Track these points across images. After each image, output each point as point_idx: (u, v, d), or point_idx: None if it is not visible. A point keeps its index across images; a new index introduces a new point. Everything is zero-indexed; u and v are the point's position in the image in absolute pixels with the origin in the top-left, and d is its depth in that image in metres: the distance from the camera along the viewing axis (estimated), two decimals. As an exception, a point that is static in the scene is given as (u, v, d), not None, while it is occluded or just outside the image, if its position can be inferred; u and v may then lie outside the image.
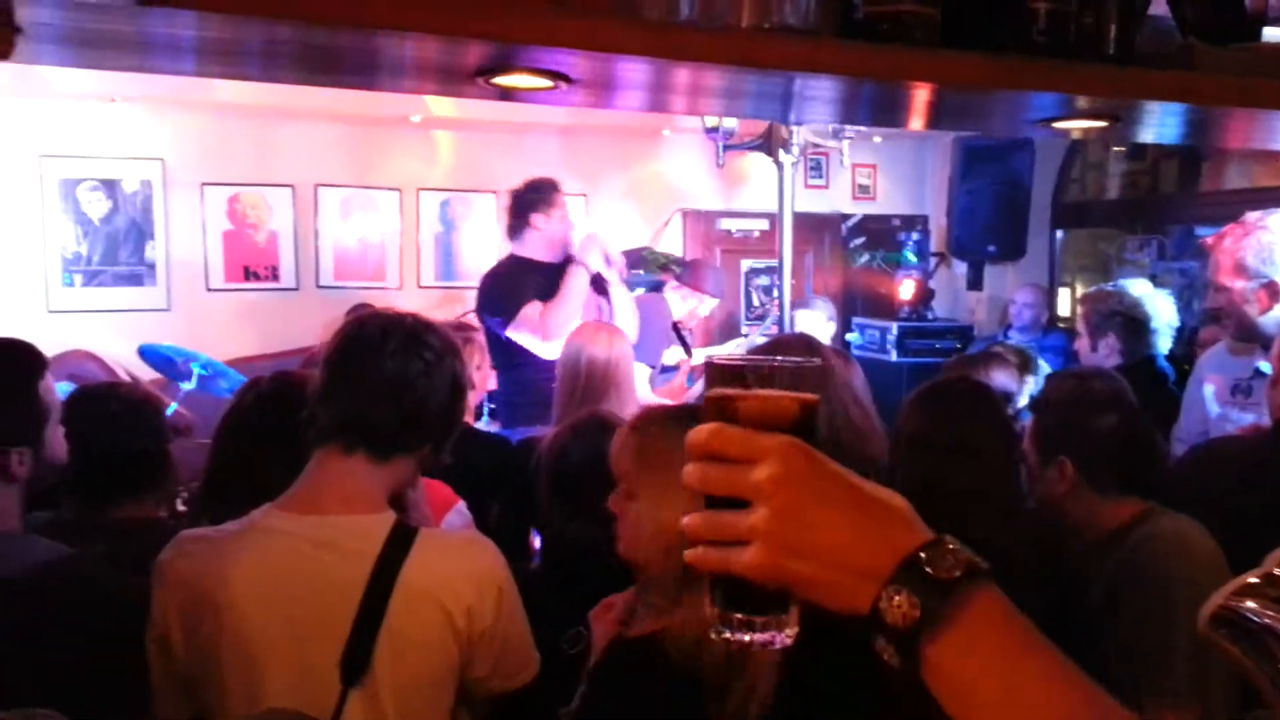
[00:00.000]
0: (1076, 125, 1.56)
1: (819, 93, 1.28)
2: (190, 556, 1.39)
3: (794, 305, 4.15)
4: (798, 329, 4.13)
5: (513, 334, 3.47)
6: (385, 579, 1.36)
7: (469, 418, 2.91)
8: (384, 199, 5.67)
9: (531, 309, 3.44)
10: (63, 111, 4.94)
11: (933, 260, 6.50)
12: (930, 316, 5.80)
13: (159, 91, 4.98)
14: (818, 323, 4.93)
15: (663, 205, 6.21)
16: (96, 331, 4.66)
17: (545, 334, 3.38)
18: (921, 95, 1.33)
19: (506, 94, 1.23)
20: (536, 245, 3.65)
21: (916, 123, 1.59)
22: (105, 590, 1.46)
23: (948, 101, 1.38)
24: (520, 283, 3.53)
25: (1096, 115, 1.49)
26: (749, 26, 1.09)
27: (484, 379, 3.11)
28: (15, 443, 1.54)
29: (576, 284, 3.51)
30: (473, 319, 3.72)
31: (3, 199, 4.86)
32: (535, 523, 2.38)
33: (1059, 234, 6.54)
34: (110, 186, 5.10)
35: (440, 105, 5.41)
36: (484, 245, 5.86)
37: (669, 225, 6.26)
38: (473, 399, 2.95)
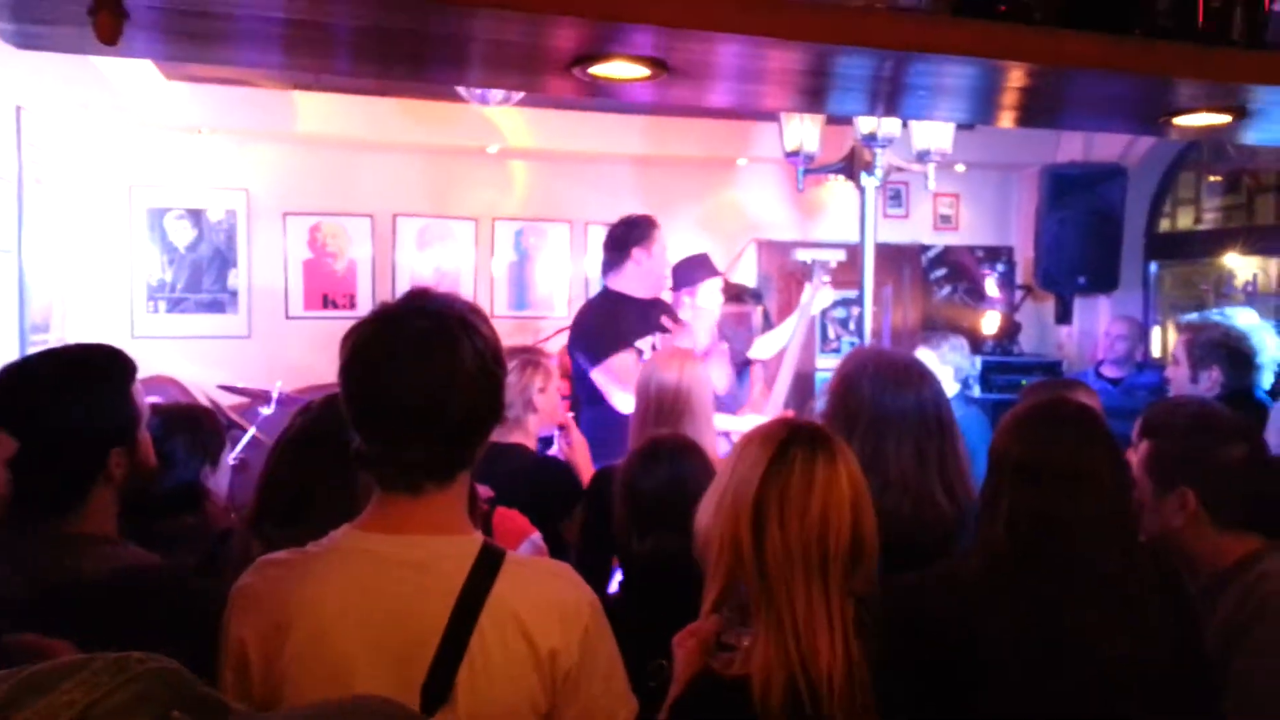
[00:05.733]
0: (1198, 121, 1.45)
1: (925, 80, 1.20)
2: (272, 580, 1.33)
3: (924, 342, 4.02)
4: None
5: (597, 376, 3.44)
6: (471, 603, 1.28)
7: (527, 441, 2.86)
8: (460, 228, 5.71)
9: (623, 359, 3.40)
10: (152, 142, 5.09)
11: (1018, 293, 6.31)
12: (1016, 351, 5.60)
13: (244, 124, 5.11)
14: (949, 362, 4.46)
15: (737, 235, 6.14)
16: (178, 357, 4.75)
17: (626, 388, 3.34)
18: (1035, 82, 1.24)
19: (597, 89, 1.17)
20: (633, 281, 3.63)
21: (1026, 117, 1.49)
22: (191, 598, 1.43)
23: (1063, 92, 1.29)
24: (614, 322, 3.50)
25: (1220, 107, 1.39)
26: (861, 5, 1.01)
27: (550, 405, 3.02)
28: (113, 443, 1.53)
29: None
30: (544, 347, 3.70)
31: (93, 226, 5.00)
32: (614, 550, 2.31)
33: (1153, 266, 6.29)
34: (196, 216, 5.23)
35: (516, 135, 5.46)
36: (557, 275, 5.87)
37: (743, 255, 6.18)
38: (534, 424, 2.89)
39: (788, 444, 1.49)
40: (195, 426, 2.20)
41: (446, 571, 1.30)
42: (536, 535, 2.30)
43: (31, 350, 3.79)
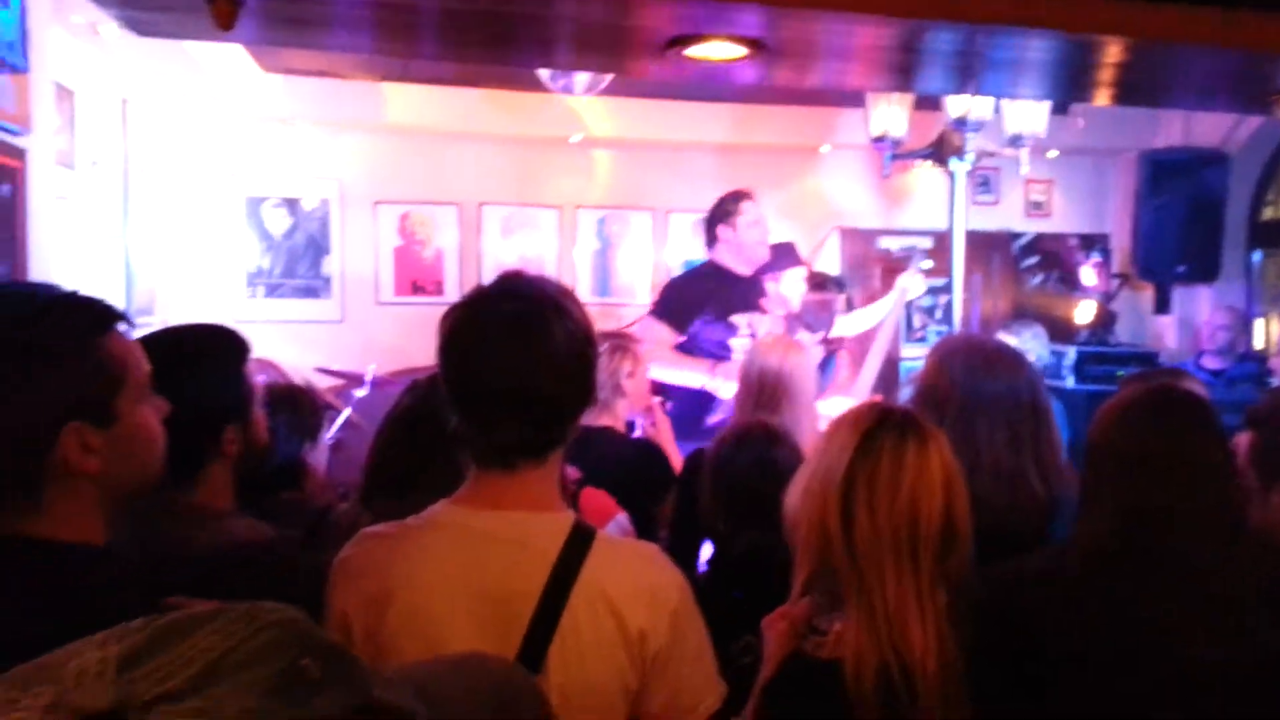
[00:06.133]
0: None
1: (1015, 54, 1.17)
2: (373, 552, 1.38)
3: (1004, 330, 3.96)
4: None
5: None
6: (563, 580, 1.30)
7: (616, 424, 2.89)
8: (543, 217, 5.77)
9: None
10: (249, 133, 5.26)
11: (1114, 282, 6.11)
12: (1112, 341, 5.43)
13: (336, 115, 5.25)
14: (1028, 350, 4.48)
15: (819, 223, 6.08)
16: (276, 341, 4.91)
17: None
18: (1134, 58, 1.21)
19: (685, 70, 1.18)
20: (726, 254, 3.71)
21: (1125, 95, 1.45)
22: (302, 570, 1.47)
23: (1165, 69, 1.25)
24: (700, 294, 3.56)
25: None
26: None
27: (639, 389, 3.05)
28: (227, 420, 1.58)
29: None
30: (633, 332, 3.73)
31: (196, 215, 5.20)
32: (701, 533, 2.32)
33: (1256, 255, 6.02)
34: (291, 204, 5.39)
35: (599, 124, 5.49)
36: (639, 262, 5.89)
37: (826, 243, 6.12)
38: (622, 408, 2.93)
39: (877, 428, 1.48)
40: (296, 406, 2.28)
41: (539, 548, 1.32)
42: (623, 516, 2.33)
43: (137, 332, 3.96)
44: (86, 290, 1.26)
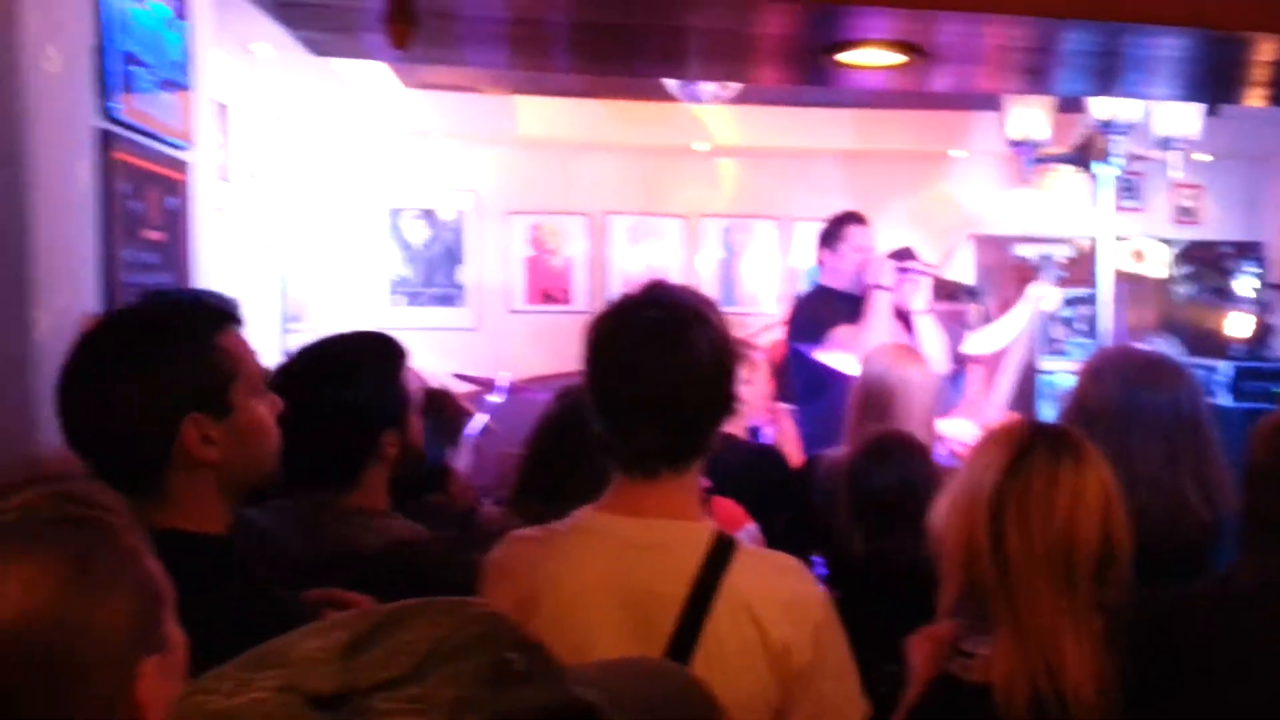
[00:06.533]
0: None
1: (1160, 51, 1.11)
2: (522, 555, 1.41)
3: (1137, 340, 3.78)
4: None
5: (822, 356, 3.45)
6: (706, 589, 1.30)
7: (737, 432, 2.87)
8: (668, 226, 5.81)
9: (842, 332, 3.43)
10: (390, 146, 5.48)
11: (1271, 293, 5.74)
12: (1269, 356, 5.11)
13: (471, 128, 5.41)
14: None
15: (951, 230, 5.92)
16: (415, 347, 5.07)
17: (855, 354, 3.32)
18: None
19: (837, 77, 1.17)
20: (832, 276, 3.69)
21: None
22: (457, 570, 1.51)
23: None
24: (824, 309, 3.55)
25: None
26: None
27: (755, 396, 3.02)
28: (387, 425, 1.64)
29: (878, 308, 3.44)
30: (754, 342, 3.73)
31: (341, 226, 5.44)
32: (816, 545, 2.28)
33: None
34: (429, 215, 5.59)
35: (724, 133, 5.50)
36: (764, 271, 5.86)
37: (959, 252, 5.95)
38: (743, 415, 2.90)
39: (1029, 445, 1.43)
40: (440, 410, 2.35)
41: (681, 555, 1.33)
42: (753, 526, 2.31)
43: (290, 338, 4.17)
44: (246, 300, 1.34)
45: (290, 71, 4.09)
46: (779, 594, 1.34)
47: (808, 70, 1.08)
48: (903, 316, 3.60)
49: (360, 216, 5.51)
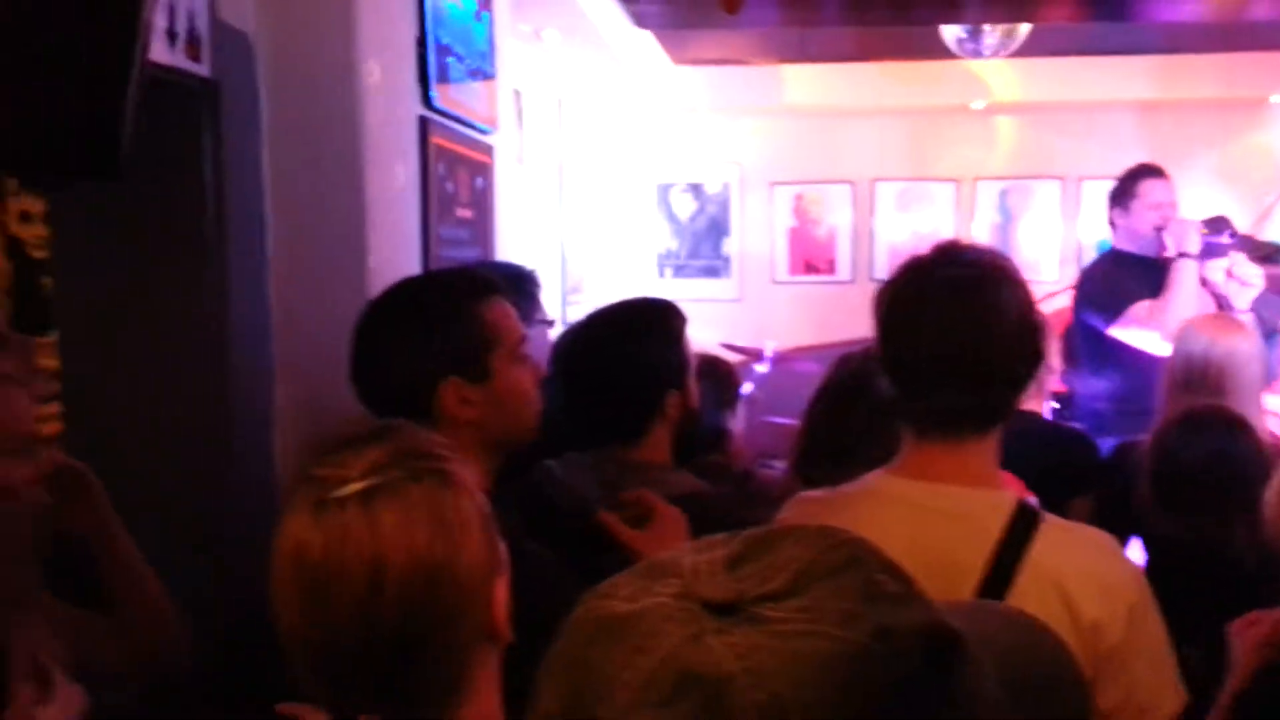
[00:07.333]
0: None
1: None
2: (809, 516, 1.42)
3: None
4: None
5: (1118, 332, 3.20)
6: (1009, 560, 1.26)
7: (1036, 408, 2.72)
8: (939, 191, 5.60)
9: (1139, 308, 3.14)
10: (659, 123, 5.63)
11: None
12: None
13: (738, 101, 5.46)
14: None
15: (1267, 185, 5.29)
16: (682, 317, 5.23)
17: (1157, 331, 3.06)
18: None
19: (1138, 11, 1.07)
20: (1126, 239, 3.37)
21: None
22: (748, 524, 1.57)
23: None
24: (1118, 278, 3.25)
25: None
26: None
27: (1049, 372, 2.86)
28: (671, 385, 1.73)
29: (1184, 279, 3.13)
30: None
31: (613, 202, 5.68)
32: (1131, 529, 2.14)
33: None
34: (696, 189, 5.72)
35: (1005, 88, 5.20)
36: (1044, 237, 5.52)
37: (1277, 209, 5.31)
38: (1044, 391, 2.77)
39: None
40: (717, 376, 2.42)
41: (982, 524, 1.28)
42: (1032, 503, 2.21)
43: (569, 310, 4.42)
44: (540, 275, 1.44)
45: (576, 56, 4.30)
46: (1089, 570, 1.27)
47: (1105, 3, 0.99)
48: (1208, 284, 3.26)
49: (630, 192, 5.71)
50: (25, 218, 2.77)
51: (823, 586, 0.45)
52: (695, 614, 0.44)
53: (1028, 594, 1.25)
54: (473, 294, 1.42)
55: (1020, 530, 1.27)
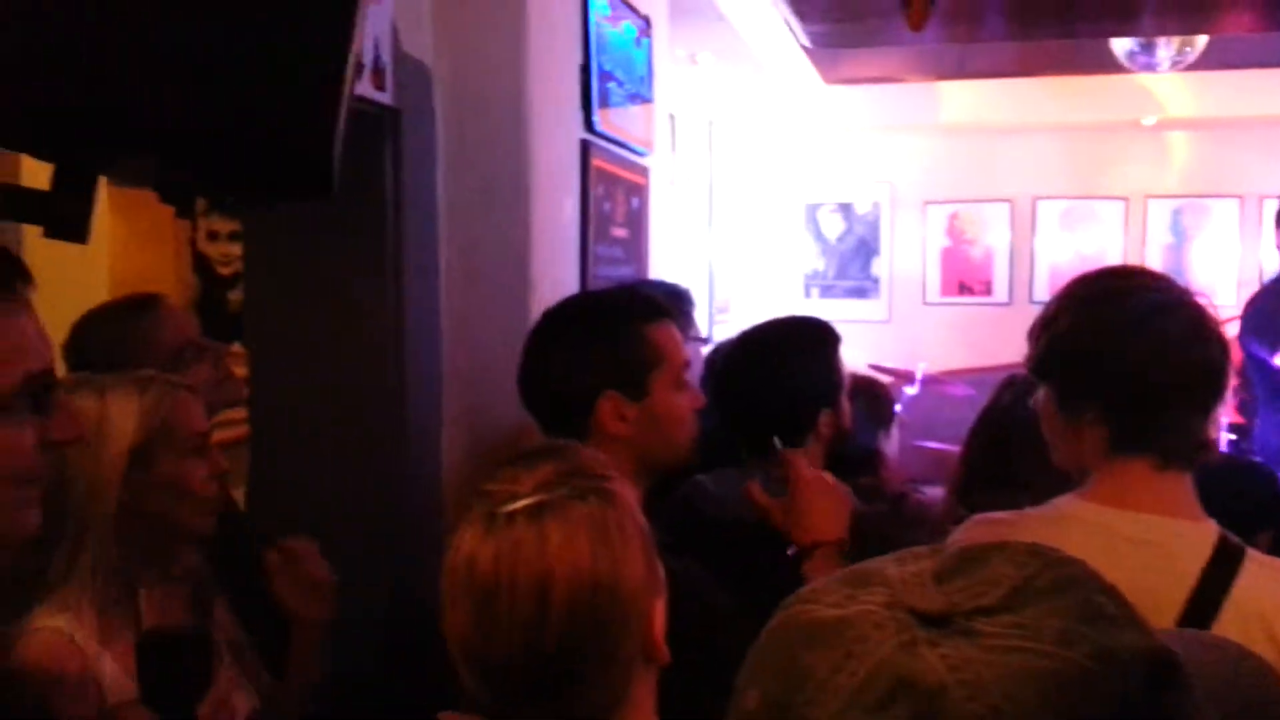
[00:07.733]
0: None
1: None
2: (995, 538, 1.37)
3: None
4: None
5: None
6: (1211, 594, 1.20)
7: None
8: (1106, 210, 5.35)
9: None
10: (809, 143, 5.60)
11: None
12: None
13: (891, 119, 5.37)
14: None
15: None
16: (830, 339, 5.17)
17: None
18: None
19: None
20: None
21: None
22: (906, 545, 1.54)
23: None
24: None
25: None
26: None
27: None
28: (824, 404, 1.73)
29: None
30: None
31: (761, 222, 5.67)
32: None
33: None
34: (845, 208, 5.65)
35: (1178, 104, 4.94)
36: (1223, 257, 5.19)
37: None
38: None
39: None
40: (872, 396, 2.38)
41: (1181, 557, 1.22)
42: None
43: (717, 329, 4.44)
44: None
45: (728, 78, 4.33)
46: None
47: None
48: None
49: (779, 212, 5.69)
50: (213, 236, 2.98)
51: (1040, 604, 0.45)
52: (906, 623, 0.44)
53: (1230, 631, 1.18)
54: (643, 315, 1.45)
55: (1224, 564, 1.21)
